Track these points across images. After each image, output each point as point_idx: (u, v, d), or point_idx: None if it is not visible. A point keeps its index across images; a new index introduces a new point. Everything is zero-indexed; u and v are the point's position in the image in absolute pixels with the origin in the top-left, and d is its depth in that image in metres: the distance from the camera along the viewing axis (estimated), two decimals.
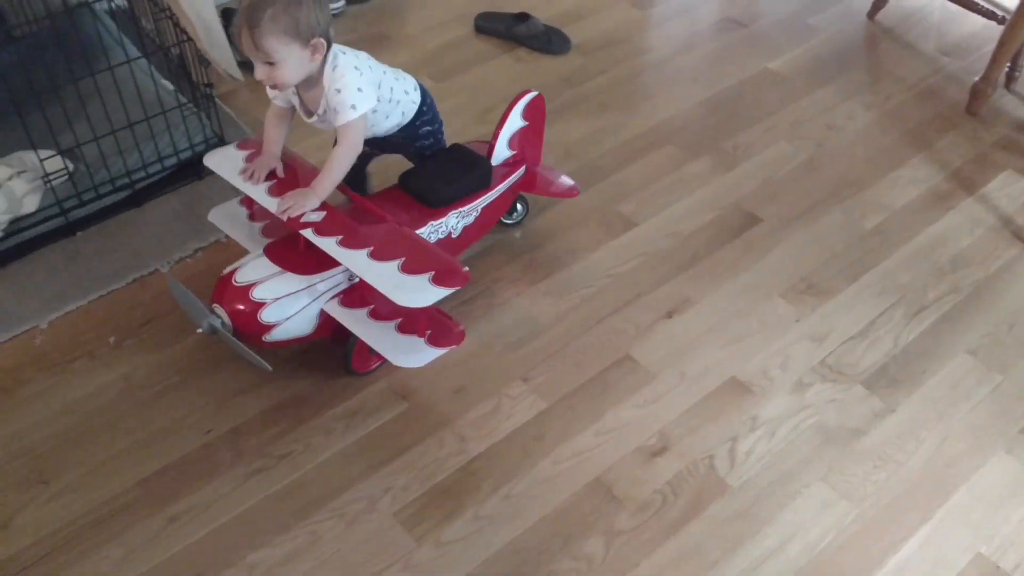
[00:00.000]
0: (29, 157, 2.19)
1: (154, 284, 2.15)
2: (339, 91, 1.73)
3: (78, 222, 2.26)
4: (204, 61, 2.37)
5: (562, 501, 1.71)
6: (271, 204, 1.80)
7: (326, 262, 1.76)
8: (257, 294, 1.75)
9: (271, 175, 1.86)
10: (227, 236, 2.24)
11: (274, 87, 1.76)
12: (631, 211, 2.32)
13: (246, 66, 2.74)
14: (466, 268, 1.70)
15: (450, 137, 2.54)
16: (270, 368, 1.74)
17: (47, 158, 2.18)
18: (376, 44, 2.94)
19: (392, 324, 1.78)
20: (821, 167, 2.46)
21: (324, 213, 1.77)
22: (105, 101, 2.18)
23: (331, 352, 1.93)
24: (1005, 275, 2.15)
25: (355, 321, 1.78)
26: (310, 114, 1.83)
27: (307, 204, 1.76)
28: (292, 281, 1.77)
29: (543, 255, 2.21)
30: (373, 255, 1.70)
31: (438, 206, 1.94)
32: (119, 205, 2.32)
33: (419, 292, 1.65)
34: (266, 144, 1.88)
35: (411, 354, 1.76)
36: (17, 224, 2.16)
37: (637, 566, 1.61)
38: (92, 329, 2.05)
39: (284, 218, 1.76)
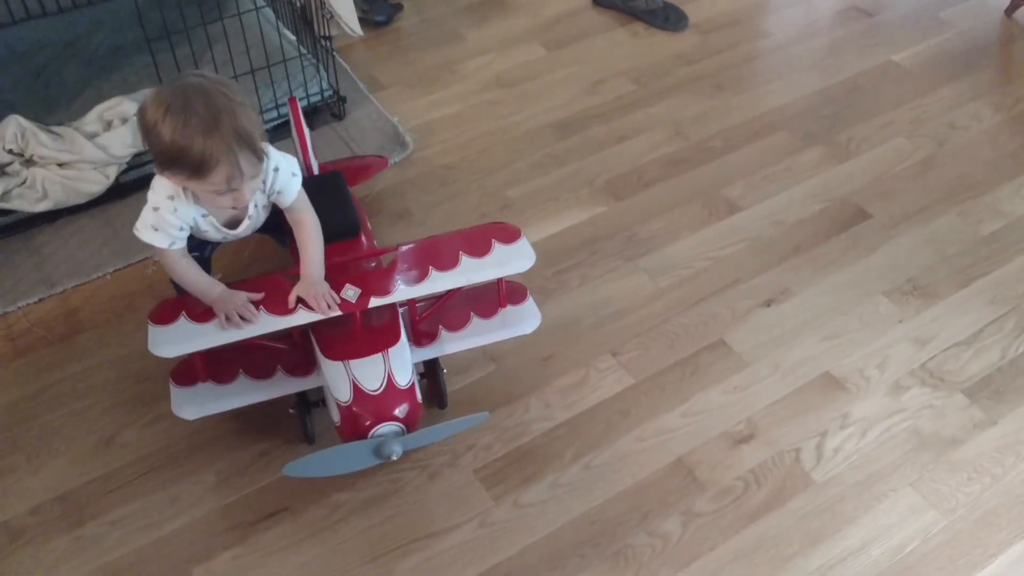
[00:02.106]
0: None
1: None
2: (277, 169, 1.55)
3: None
4: (327, 14, 2.42)
5: (643, 478, 1.71)
6: (305, 316, 1.56)
7: (388, 320, 1.62)
8: (402, 380, 1.55)
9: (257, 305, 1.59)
10: None
11: (234, 208, 1.53)
12: (737, 195, 2.28)
13: (365, 22, 2.79)
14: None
15: (560, 107, 2.54)
16: None
17: None
18: (493, 10, 2.95)
19: (475, 321, 1.75)
20: (939, 167, 2.37)
21: (350, 285, 1.60)
22: (231, 46, 2.26)
23: None
24: None
25: (449, 343, 1.72)
26: (236, 224, 1.63)
27: (325, 288, 1.57)
28: (403, 349, 1.59)
29: (644, 232, 2.19)
30: (440, 266, 1.65)
31: (356, 231, 1.79)
32: None
33: (515, 255, 1.70)
34: (208, 287, 1.58)
35: (519, 321, 1.76)
36: (140, 158, 2.25)
37: (713, 550, 1.60)
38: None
39: (337, 311, 1.56)
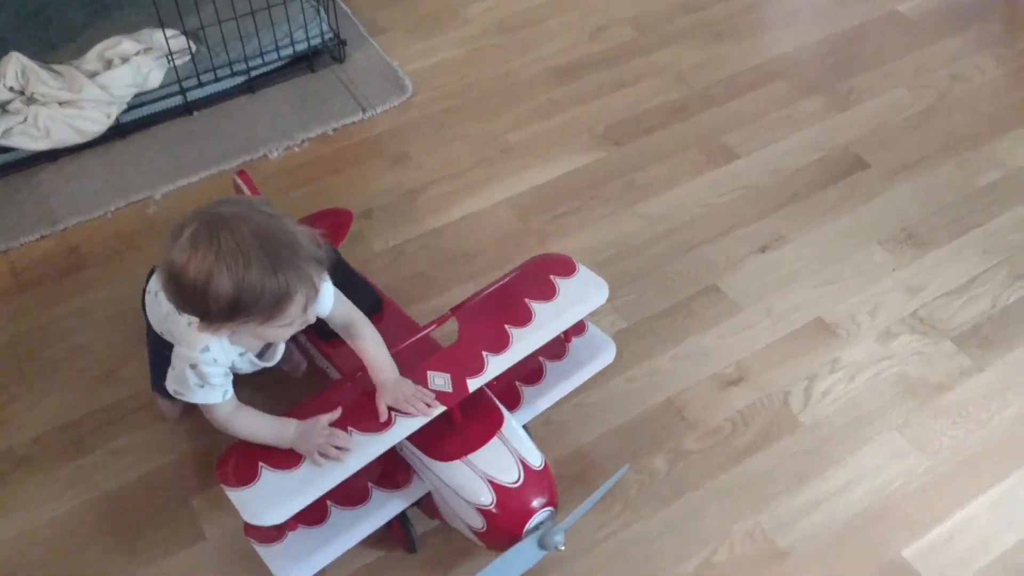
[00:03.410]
0: (156, 36, 2.27)
1: (262, 168, 2.23)
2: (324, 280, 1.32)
3: (195, 102, 2.35)
4: None
5: (632, 417, 1.74)
6: (407, 425, 1.35)
7: (478, 397, 1.43)
8: (534, 460, 1.38)
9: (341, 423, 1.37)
10: (333, 129, 2.31)
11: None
12: (735, 143, 2.29)
13: None
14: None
15: (561, 53, 2.53)
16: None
17: (172, 37, 2.27)
18: None
19: (549, 367, 1.61)
20: (940, 118, 2.36)
21: (433, 372, 1.41)
22: None
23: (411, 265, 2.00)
24: None
25: (537, 400, 1.57)
26: (264, 353, 1.40)
27: (411, 386, 1.37)
28: (514, 424, 1.43)
29: (642, 178, 2.20)
30: (514, 322, 1.48)
31: (380, 306, 1.66)
32: (234, 90, 2.40)
33: (585, 289, 1.55)
34: (281, 427, 1.34)
35: (593, 353, 1.63)
36: (141, 98, 2.26)
37: (699, 488, 1.64)
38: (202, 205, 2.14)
39: (439, 408, 1.36)
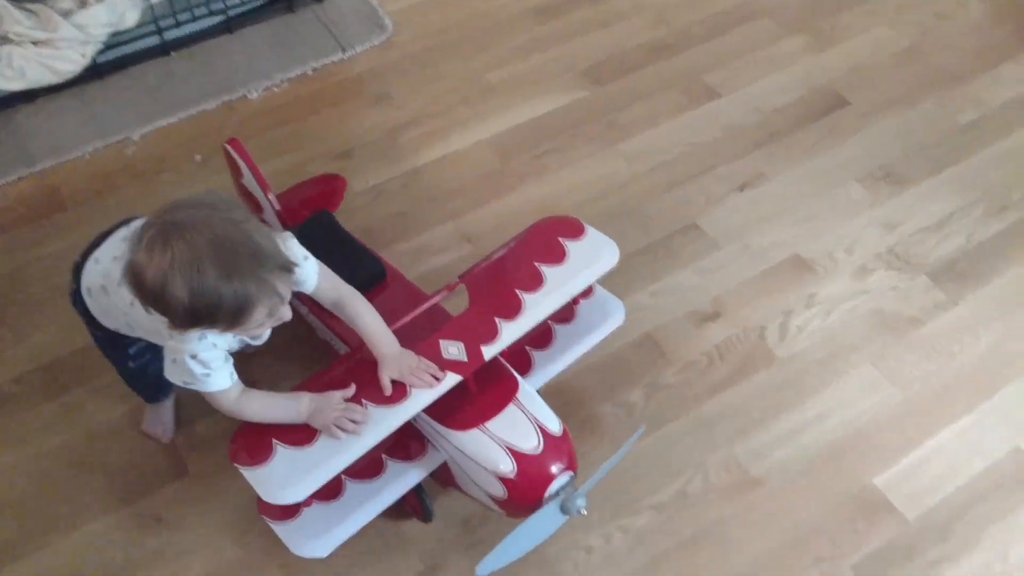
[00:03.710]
0: None
1: (241, 108, 2.22)
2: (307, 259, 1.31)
3: (173, 43, 2.33)
4: None
5: (610, 352, 1.76)
6: (424, 396, 1.31)
7: (492, 365, 1.39)
8: (553, 425, 1.35)
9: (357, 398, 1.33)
10: (313, 69, 2.30)
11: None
12: (717, 82, 2.28)
13: None
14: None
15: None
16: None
17: None
18: None
19: (558, 331, 1.58)
20: (922, 56, 2.36)
21: (446, 341, 1.38)
22: None
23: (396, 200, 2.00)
24: None
25: (549, 365, 1.54)
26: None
27: (413, 359, 1.33)
28: (530, 390, 1.40)
29: (624, 117, 2.20)
30: (526, 287, 1.43)
31: (384, 274, 1.62)
32: (212, 30, 2.37)
33: (595, 250, 1.51)
34: (293, 404, 1.31)
35: (603, 315, 1.60)
36: (117, 38, 2.23)
37: (676, 420, 1.67)
38: (181, 146, 2.14)
39: (453, 378, 1.33)
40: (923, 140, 2.15)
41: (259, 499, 1.28)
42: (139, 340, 1.41)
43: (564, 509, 1.29)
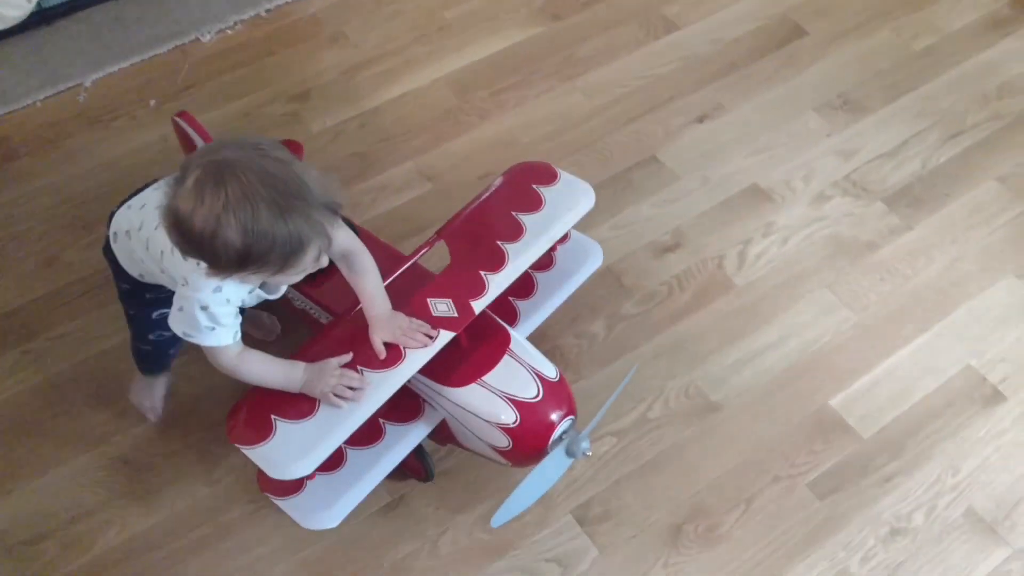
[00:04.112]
0: None
1: (195, 52, 2.18)
2: None
3: None
4: None
5: None
6: (419, 357, 1.29)
7: (489, 323, 1.40)
8: (549, 371, 1.36)
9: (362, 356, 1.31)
10: (267, 10, 2.26)
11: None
12: (675, 14, 2.27)
13: None
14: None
15: None
16: None
17: None
18: None
19: (539, 278, 1.60)
20: None
21: (434, 299, 1.36)
22: None
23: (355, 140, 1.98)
24: None
25: (534, 314, 1.55)
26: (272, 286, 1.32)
27: (404, 320, 1.31)
28: (522, 339, 1.41)
29: (582, 52, 2.19)
30: (506, 237, 1.42)
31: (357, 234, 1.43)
32: None
33: (571, 195, 1.50)
34: (290, 370, 1.28)
35: (581, 258, 1.62)
36: None
37: (636, 348, 1.69)
38: (134, 91, 2.10)
39: (446, 336, 1.31)
40: (880, 68, 2.16)
41: (260, 476, 1.27)
42: (162, 303, 1.35)
43: (570, 452, 1.30)
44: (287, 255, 1.07)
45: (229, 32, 2.23)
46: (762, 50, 2.19)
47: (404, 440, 1.38)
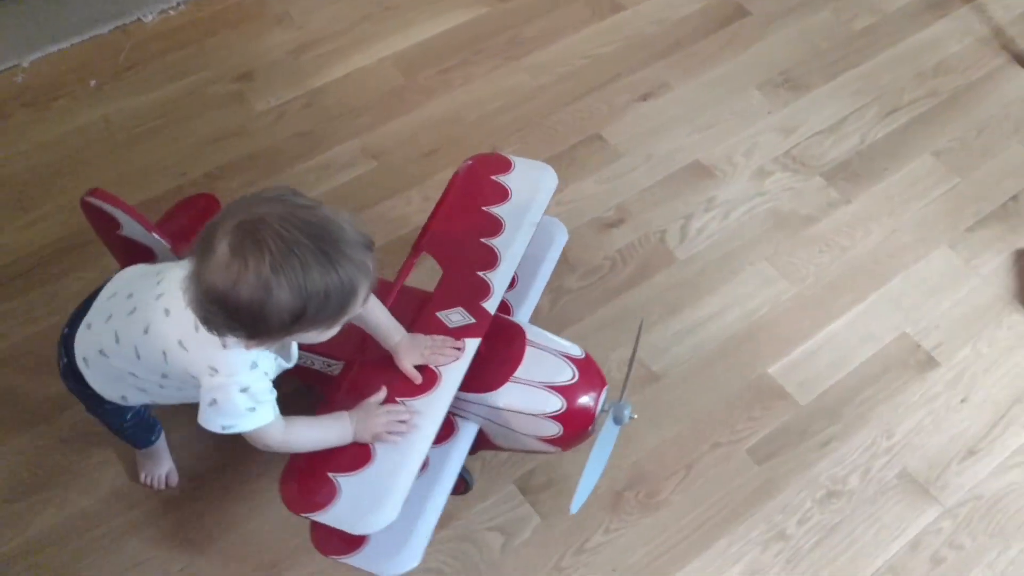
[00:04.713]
0: None
1: (137, 32, 2.16)
2: None
3: None
4: None
5: None
6: (455, 373, 1.25)
7: (498, 321, 1.35)
8: (574, 351, 1.35)
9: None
10: None
11: None
12: None
13: None
14: None
15: None
16: None
17: None
18: None
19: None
20: None
21: (442, 313, 1.32)
22: None
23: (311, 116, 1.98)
24: (986, 84, 2.14)
25: (522, 300, 1.53)
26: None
27: (425, 339, 1.26)
28: (534, 328, 1.38)
29: (527, 31, 2.20)
30: (487, 233, 1.40)
31: None
32: None
33: (533, 179, 1.49)
34: (339, 423, 1.20)
35: (548, 236, 1.61)
36: None
37: (580, 321, 1.71)
38: (74, 71, 2.08)
39: (473, 344, 1.27)
40: (820, 47, 2.19)
41: (318, 541, 1.21)
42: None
43: (617, 420, 1.30)
44: (343, 303, 1.00)
45: (172, 13, 2.21)
46: (706, 29, 2.22)
47: (451, 460, 1.31)
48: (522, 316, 1.50)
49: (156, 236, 1.38)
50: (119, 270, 1.30)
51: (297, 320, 0.98)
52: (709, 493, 1.52)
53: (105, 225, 1.40)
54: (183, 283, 1.01)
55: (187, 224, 1.55)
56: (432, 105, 2.04)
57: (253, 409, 1.11)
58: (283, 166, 1.92)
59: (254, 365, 1.09)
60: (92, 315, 1.23)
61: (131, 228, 1.38)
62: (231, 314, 0.98)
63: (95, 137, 1.96)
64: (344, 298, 0.99)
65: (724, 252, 1.82)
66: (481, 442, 1.38)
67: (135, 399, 1.28)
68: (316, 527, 1.20)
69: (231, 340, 1.04)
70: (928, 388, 1.65)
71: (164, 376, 1.17)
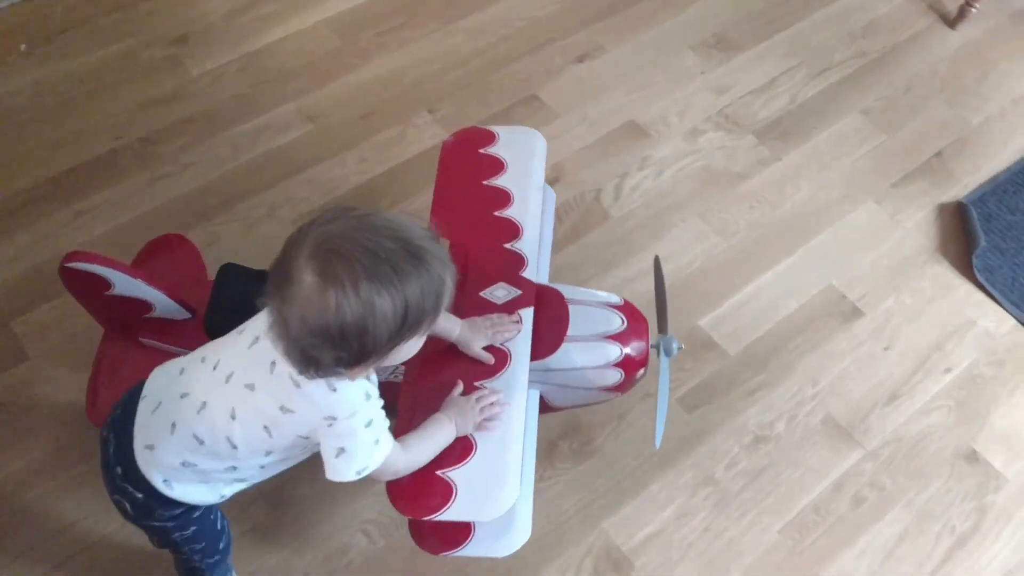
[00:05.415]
0: None
1: None
2: None
3: None
4: None
5: None
6: (523, 345, 1.25)
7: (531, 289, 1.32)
8: (614, 299, 1.39)
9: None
10: None
11: None
12: None
13: None
14: None
15: None
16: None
17: None
18: None
19: None
20: None
21: (488, 292, 1.31)
22: None
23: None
24: (914, 44, 2.19)
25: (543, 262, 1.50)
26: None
27: (483, 319, 1.25)
28: (568, 287, 1.39)
29: None
30: (498, 206, 1.39)
31: None
32: None
33: (527, 150, 1.47)
34: (442, 427, 1.16)
35: (547, 202, 1.51)
36: None
37: None
38: (2, 36, 2.04)
39: (528, 315, 1.27)
40: (753, 8, 2.22)
41: (425, 543, 1.20)
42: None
43: (668, 353, 1.33)
44: (437, 300, 0.96)
45: None
46: None
47: (527, 431, 1.25)
48: (542, 279, 1.45)
49: (154, 289, 1.31)
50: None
51: (400, 329, 0.94)
52: (640, 441, 1.56)
53: (91, 288, 1.30)
54: (270, 334, 0.94)
55: (164, 269, 1.49)
56: (369, 68, 2.04)
57: (377, 441, 1.05)
58: (219, 129, 1.91)
59: (368, 396, 1.03)
60: (145, 436, 1.10)
61: (124, 286, 1.30)
62: (337, 343, 0.92)
63: (25, 103, 1.93)
64: (438, 295, 0.96)
65: (657, 209, 1.85)
66: (540, 408, 1.37)
67: (232, 491, 1.17)
68: (417, 531, 1.20)
69: (335, 378, 0.99)
70: (853, 337, 1.71)
71: (267, 453, 1.08)
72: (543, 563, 1.45)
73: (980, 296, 1.78)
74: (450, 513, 1.11)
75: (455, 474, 1.13)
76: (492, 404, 1.17)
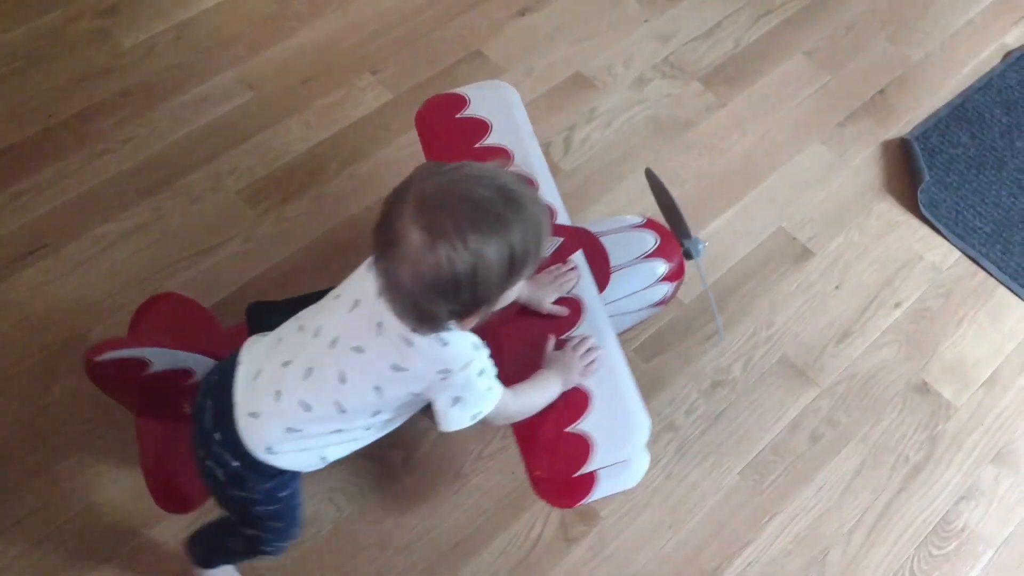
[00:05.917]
0: None
1: None
2: None
3: None
4: None
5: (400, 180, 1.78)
6: (592, 291, 1.29)
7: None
8: (635, 220, 1.48)
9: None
10: None
11: None
12: None
13: None
14: None
15: None
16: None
17: None
18: None
19: None
20: None
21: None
22: None
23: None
24: None
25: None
26: None
27: (545, 273, 1.28)
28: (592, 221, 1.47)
29: None
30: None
31: None
32: None
33: (505, 103, 1.47)
34: (547, 379, 1.19)
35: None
36: None
37: None
38: None
39: (582, 265, 1.31)
40: None
41: (555, 499, 1.20)
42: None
43: (696, 254, 1.41)
44: (538, 243, 0.97)
45: None
46: None
47: (615, 359, 1.24)
48: (561, 219, 1.43)
49: (193, 353, 1.24)
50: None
51: (508, 274, 0.96)
52: None
53: (127, 374, 1.20)
54: (382, 296, 0.96)
55: (170, 325, 1.41)
56: (308, 31, 2.00)
57: (490, 388, 1.07)
58: (157, 101, 1.86)
59: (476, 346, 1.05)
60: (247, 403, 1.09)
61: (163, 359, 1.22)
62: (451, 296, 0.94)
63: None
64: (539, 237, 0.97)
65: (607, 161, 1.85)
66: None
67: (335, 454, 1.15)
68: (543, 489, 1.18)
69: (445, 332, 1.00)
70: (804, 278, 1.73)
71: (375, 414, 1.09)
72: (512, 518, 1.46)
73: (926, 230, 1.82)
74: (595, 463, 1.13)
75: (585, 425, 1.16)
76: (589, 350, 1.20)
